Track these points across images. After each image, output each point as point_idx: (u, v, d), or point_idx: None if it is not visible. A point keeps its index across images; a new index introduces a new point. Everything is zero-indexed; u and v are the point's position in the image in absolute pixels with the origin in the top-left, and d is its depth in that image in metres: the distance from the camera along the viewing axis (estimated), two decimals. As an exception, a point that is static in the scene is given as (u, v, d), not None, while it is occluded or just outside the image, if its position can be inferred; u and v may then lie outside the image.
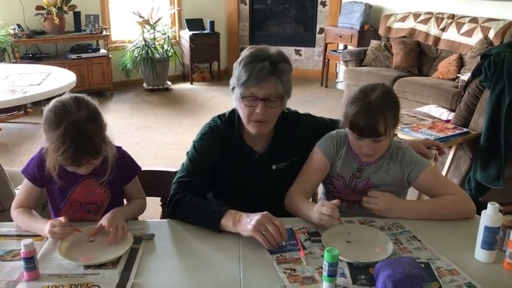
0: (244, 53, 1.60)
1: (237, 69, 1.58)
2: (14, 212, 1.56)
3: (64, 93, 1.51)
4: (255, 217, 1.39)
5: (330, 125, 1.86)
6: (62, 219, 1.41)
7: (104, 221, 1.45)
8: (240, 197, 1.61)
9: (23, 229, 1.51)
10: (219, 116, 1.74)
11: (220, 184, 1.72)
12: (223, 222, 1.46)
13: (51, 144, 1.40)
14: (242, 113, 1.62)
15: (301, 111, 1.87)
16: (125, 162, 1.63)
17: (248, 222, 1.40)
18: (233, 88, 1.62)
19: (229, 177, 1.70)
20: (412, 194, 1.91)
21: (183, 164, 1.69)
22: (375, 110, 1.54)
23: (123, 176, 1.64)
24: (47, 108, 1.45)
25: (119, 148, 1.62)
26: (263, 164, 1.72)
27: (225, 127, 1.70)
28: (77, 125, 1.38)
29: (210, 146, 1.68)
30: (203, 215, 1.51)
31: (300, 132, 1.76)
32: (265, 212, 1.41)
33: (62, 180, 1.52)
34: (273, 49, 1.61)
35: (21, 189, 1.60)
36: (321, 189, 1.86)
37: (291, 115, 1.79)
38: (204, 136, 1.70)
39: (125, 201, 1.73)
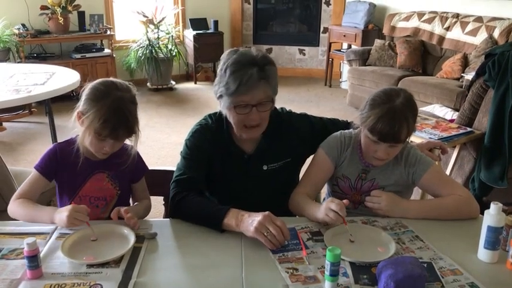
0: (227, 59, 1.56)
1: (223, 77, 1.55)
2: (14, 203, 1.56)
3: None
4: (257, 218, 1.39)
5: (327, 125, 1.84)
6: (87, 207, 1.45)
7: (122, 208, 1.51)
8: (233, 196, 1.61)
9: (21, 219, 1.53)
10: (210, 115, 1.74)
11: (213, 183, 1.72)
12: (225, 222, 1.46)
13: (93, 112, 1.48)
14: (234, 121, 1.60)
15: (305, 110, 1.86)
16: (135, 160, 1.67)
17: (250, 224, 1.40)
18: (220, 96, 1.59)
19: (220, 177, 1.70)
20: (415, 193, 1.90)
21: (178, 163, 1.70)
22: (401, 116, 1.52)
23: (133, 173, 1.68)
24: (94, 83, 1.55)
25: (130, 146, 1.67)
26: (253, 164, 1.70)
27: (215, 126, 1.70)
28: (123, 101, 1.51)
29: (201, 144, 1.68)
30: (205, 215, 1.51)
31: (294, 132, 1.74)
32: (266, 213, 1.41)
33: (73, 166, 1.58)
34: (254, 51, 1.58)
35: (26, 181, 1.61)
36: (324, 190, 1.85)
37: (284, 115, 1.77)
38: (195, 134, 1.70)
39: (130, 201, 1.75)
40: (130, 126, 1.53)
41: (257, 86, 1.52)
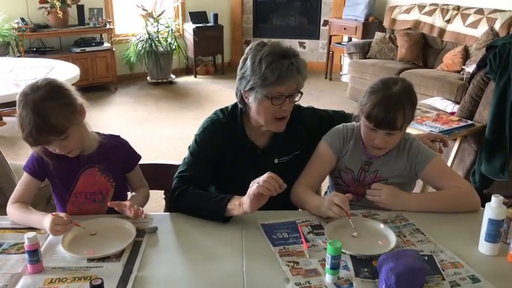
0: (259, 52, 1.55)
1: (257, 69, 1.54)
2: (9, 208, 1.55)
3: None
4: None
5: (334, 117, 1.86)
6: (64, 216, 1.40)
7: (126, 202, 1.51)
8: (243, 190, 1.61)
9: (19, 224, 1.50)
10: (221, 110, 1.74)
11: (223, 177, 1.72)
12: (229, 207, 1.47)
13: (18, 125, 1.43)
14: (266, 112, 1.60)
15: (305, 104, 1.86)
16: (125, 150, 1.67)
17: (245, 195, 1.44)
18: (251, 88, 1.58)
19: (231, 171, 1.71)
20: (416, 186, 1.90)
21: (184, 158, 1.70)
22: (396, 102, 1.53)
23: (124, 163, 1.67)
24: None
25: (117, 137, 1.68)
26: (265, 158, 1.72)
27: (227, 121, 1.70)
28: (31, 104, 1.40)
29: (212, 140, 1.68)
30: (208, 204, 1.52)
31: (302, 126, 1.76)
32: None
33: (60, 167, 1.55)
34: (281, 43, 1.61)
35: (19, 184, 1.60)
36: (324, 184, 1.85)
37: (294, 109, 1.77)
38: (206, 130, 1.70)
39: (129, 194, 1.75)
40: (48, 126, 1.40)
41: (293, 77, 1.56)
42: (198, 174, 1.64)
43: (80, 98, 1.51)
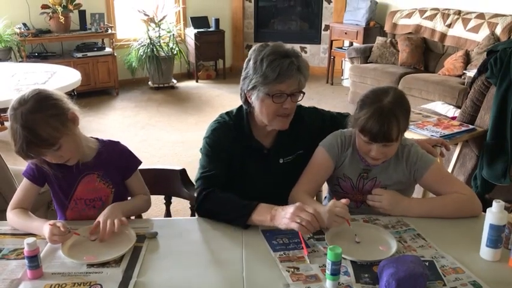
0: (261, 52, 1.59)
1: (259, 68, 1.57)
2: (9, 214, 1.54)
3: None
4: (289, 209, 1.42)
5: (336, 117, 1.87)
6: (61, 227, 1.38)
7: (100, 217, 1.46)
8: (249, 191, 1.62)
9: (19, 230, 1.50)
10: (226, 113, 1.76)
11: (231, 177, 1.72)
12: (255, 217, 1.48)
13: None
14: (267, 111, 1.62)
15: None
16: (123, 155, 1.65)
17: (283, 216, 1.43)
18: (253, 87, 1.60)
19: (239, 172, 1.71)
20: (417, 191, 1.89)
21: (200, 161, 1.70)
22: (389, 114, 1.51)
23: (123, 169, 1.65)
24: None
25: (116, 143, 1.66)
26: (271, 158, 1.73)
27: (233, 123, 1.72)
28: (19, 118, 1.38)
29: (221, 140, 1.69)
30: (233, 209, 1.52)
31: (305, 125, 1.76)
32: (298, 203, 1.43)
33: (59, 174, 1.54)
34: (285, 45, 1.63)
35: (19, 190, 1.59)
36: (325, 185, 1.84)
37: (296, 108, 1.78)
38: (215, 131, 1.71)
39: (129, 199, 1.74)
40: (37, 138, 1.38)
41: (294, 76, 1.58)
42: (218, 172, 1.65)
43: (72, 106, 1.49)
